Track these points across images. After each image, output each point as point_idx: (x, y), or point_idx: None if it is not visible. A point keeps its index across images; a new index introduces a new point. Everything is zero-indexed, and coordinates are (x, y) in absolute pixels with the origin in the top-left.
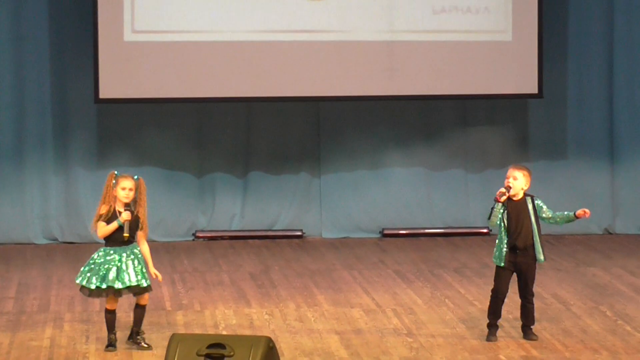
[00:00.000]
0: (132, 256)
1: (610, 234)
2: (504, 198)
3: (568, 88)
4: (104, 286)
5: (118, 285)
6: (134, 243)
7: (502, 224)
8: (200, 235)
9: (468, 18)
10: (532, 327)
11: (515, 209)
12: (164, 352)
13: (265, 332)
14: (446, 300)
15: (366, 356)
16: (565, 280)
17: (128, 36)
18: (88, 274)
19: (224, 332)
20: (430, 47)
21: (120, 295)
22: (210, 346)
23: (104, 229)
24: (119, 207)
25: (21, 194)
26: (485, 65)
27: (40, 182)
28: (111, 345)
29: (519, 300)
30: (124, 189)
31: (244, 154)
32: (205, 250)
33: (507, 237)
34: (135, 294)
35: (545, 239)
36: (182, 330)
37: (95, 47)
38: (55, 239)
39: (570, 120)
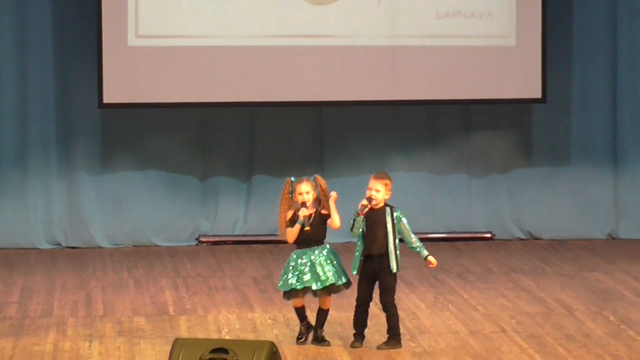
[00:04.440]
0: (322, 256)
1: (614, 238)
2: (365, 211)
3: (572, 93)
4: (299, 287)
5: (315, 286)
6: (325, 244)
7: (361, 233)
8: (204, 240)
9: (472, 23)
10: (393, 337)
11: (371, 217)
12: (167, 357)
13: (268, 337)
14: (449, 305)
15: None
16: (569, 285)
17: (132, 41)
18: (284, 277)
19: (227, 337)
20: (433, 52)
21: (316, 296)
22: (213, 351)
23: (291, 233)
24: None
25: (24, 199)
26: (489, 70)
27: (43, 186)
28: (301, 335)
29: (523, 306)
30: (300, 194)
31: (247, 158)
32: (208, 255)
33: (363, 245)
34: (332, 292)
35: (548, 243)
36: (185, 335)
37: (99, 51)
38: (59, 244)
39: (573, 125)
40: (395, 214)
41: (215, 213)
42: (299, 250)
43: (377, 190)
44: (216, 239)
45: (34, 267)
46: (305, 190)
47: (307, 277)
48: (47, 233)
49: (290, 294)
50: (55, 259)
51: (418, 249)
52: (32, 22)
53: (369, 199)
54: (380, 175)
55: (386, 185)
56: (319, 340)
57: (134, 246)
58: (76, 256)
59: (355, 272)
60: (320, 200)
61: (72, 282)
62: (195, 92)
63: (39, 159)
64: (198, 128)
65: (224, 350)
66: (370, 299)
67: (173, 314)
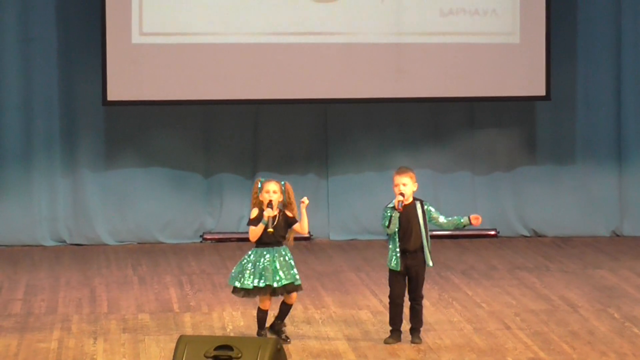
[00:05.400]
0: (281, 258)
1: (618, 236)
2: (402, 206)
3: (576, 90)
4: (262, 284)
5: (275, 284)
6: (284, 246)
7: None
8: (208, 237)
9: (476, 20)
10: (420, 329)
11: (404, 213)
12: (172, 353)
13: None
14: (454, 302)
15: (374, 358)
16: (573, 282)
17: (136, 38)
18: (240, 275)
19: (232, 334)
20: (438, 49)
21: (276, 295)
22: (217, 348)
23: (253, 232)
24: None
25: (29, 196)
26: (493, 68)
27: (47, 184)
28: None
29: (527, 303)
30: (267, 192)
31: (251, 155)
32: (213, 252)
33: (398, 241)
34: (288, 292)
35: (553, 241)
36: (189, 332)
37: (103, 49)
38: (63, 241)
39: (578, 122)
40: (425, 207)
41: (220, 210)
42: (258, 249)
43: (404, 184)
44: (220, 236)
45: (38, 264)
46: (273, 190)
47: (268, 274)
48: (52, 230)
49: (252, 292)
50: (59, 256)
51: (456, 219)
52: (36, 19)
53: (401, 195)
54: (403, 169)
55: (411, 177)
56: (278, 332)
57: (138, 243)
58: (80, 253)
59: (399, 269)
60: (286, 204)
61: (77, 279)
62: (199, 89)
63: (43, 156)
64: (202, 125)
65: (228, 348)
66: (404, 293)
67: (177, 311)
